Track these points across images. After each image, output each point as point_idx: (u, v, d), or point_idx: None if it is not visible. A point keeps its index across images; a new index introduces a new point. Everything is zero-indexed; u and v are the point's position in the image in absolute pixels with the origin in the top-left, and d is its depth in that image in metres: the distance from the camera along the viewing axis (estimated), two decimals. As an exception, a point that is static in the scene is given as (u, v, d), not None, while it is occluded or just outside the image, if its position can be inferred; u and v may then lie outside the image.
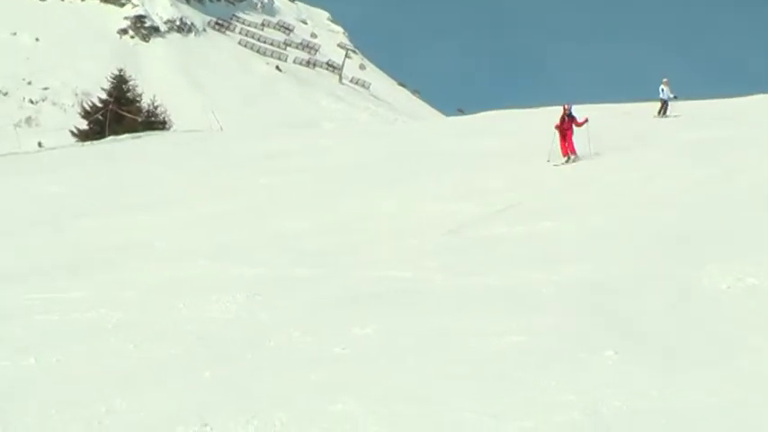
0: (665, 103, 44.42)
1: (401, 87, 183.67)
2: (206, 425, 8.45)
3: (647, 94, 47.42)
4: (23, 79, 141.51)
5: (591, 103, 49.82)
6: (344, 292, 14.36)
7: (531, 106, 50.63)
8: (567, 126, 30.54)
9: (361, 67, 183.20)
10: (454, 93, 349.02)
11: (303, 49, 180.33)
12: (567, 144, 30.35)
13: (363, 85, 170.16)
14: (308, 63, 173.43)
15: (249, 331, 12.25)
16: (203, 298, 14.17)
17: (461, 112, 72.92)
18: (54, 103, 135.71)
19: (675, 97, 45.07)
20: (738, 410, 8.20)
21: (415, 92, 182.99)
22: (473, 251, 17.53)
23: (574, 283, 13.96)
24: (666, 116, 43.68)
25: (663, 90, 44.41)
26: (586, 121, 30.60)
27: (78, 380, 10.23)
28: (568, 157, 30.04)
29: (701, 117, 41.29)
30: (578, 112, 31.10)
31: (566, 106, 31.08)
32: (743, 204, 19.52)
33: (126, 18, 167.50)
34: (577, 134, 30.48)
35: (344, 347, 11.05)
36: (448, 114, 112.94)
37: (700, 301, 12.43)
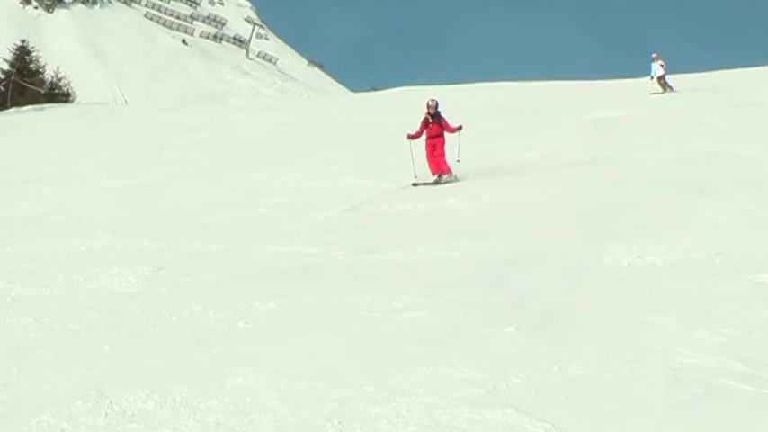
0: (663, 81, 42.67)
1: (308, 63, 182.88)
2: (105, 398, 8.36)
3: (561, 73, 47.64)
4: None
5: (500, 80, 50.22)
6: (247, 268, 14.33)
7: (442, 83, 50.84)
8: (434, 131, 22.78)
9: (260, 36, 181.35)
10: (366, 69, 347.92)
11: (210, 23, 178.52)
12: (435, 157, 22.69)
13: (270, 60, 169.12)
14: (214, 37, 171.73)
15: (151, 306, 12.16)
16: (105, 272, 14.04)
17: (374, 89, 73.12)
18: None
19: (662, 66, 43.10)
20: (634, 386, 8.32)
21: (313, 64, 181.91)
22: (376, 227, 17.56)
23: (477, 259, 14.06)
24: (673, 90, 41.79)
25: (656, 68, 42.67)
26: (460, 127, 22.51)
27: (-25, 354, 10.09)
28: (440, 176, 22.34)
29: (607, 96, 41.73)
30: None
31: (429, 103, 23.11)
32: (644, 183, 19.76)
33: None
34: (448, 142, 22.79)
35: (246, 323, 11.03)
36: (355, 90, 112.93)
37: (601, 278, 12.60)
